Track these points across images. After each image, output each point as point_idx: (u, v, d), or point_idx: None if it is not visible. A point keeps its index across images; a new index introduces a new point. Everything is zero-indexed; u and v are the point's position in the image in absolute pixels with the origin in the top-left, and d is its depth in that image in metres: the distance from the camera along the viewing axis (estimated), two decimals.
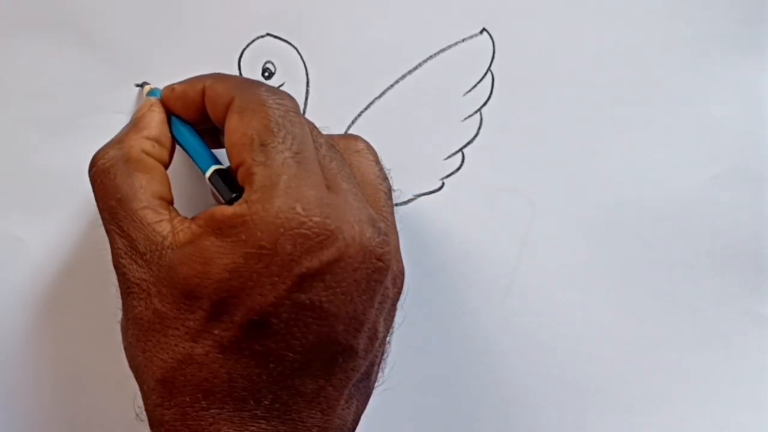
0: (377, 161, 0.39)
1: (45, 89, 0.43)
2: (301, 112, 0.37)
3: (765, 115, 0.44)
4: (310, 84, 0.44)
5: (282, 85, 0.44)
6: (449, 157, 0.44)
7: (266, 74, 0.44)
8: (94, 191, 0.37)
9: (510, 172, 0.44)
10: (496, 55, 0.44)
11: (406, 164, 0.44)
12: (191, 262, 0.34)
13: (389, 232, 0.36)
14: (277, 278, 0.33)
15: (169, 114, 0.40)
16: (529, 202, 0.44)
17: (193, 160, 0.39)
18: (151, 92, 0.41)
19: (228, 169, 0.37)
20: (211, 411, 0.34)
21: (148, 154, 0.38)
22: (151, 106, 0.40)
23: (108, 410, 0.44)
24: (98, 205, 0.37)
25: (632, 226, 0.44)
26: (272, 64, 0.44)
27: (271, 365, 0.34)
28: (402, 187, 0.44)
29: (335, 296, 0.34)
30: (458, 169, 0.44)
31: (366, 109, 0.44)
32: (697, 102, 0.44)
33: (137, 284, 0.35)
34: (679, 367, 0.45)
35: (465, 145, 0.44)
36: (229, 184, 0.36)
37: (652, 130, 0.44)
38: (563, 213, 0.44)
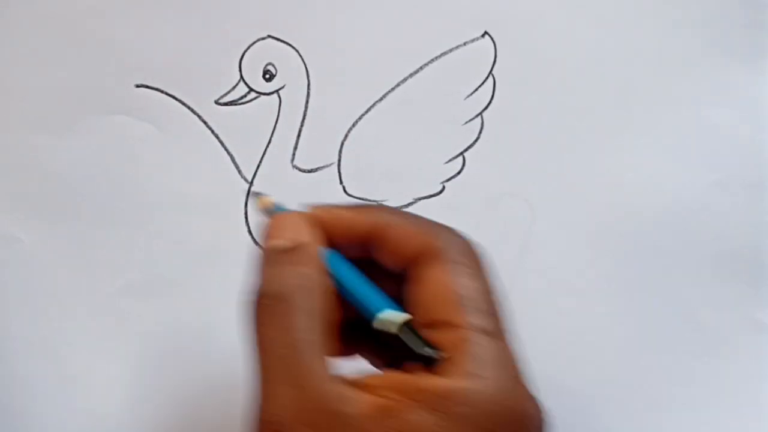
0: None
1: (45, 89, 0.43)
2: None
3: (764, 120, 0.44)
4: (311, 86, 0.44)
5: (283, 87, 0.44)
6: (450, 160, 0.44)
7: (267, 76, 0.44)
8: (256, 324, 0.31)
9: (510, 176, 0.44)
10: (497, 59, 0.44)
11: (407, 167, 0.44)
12: None
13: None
14: None
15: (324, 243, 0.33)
16: (530, 206, 0.44)
17: (361, 303, 0.32)
18: (277, 207, 0.34)
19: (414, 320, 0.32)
20: None
21: (323, 293, 0.31)
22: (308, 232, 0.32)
23: (103, 411, 0.44)
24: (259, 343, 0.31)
25: (632, 231, 0.44)
26: (273, 66, 0.44)
27: None
28: (402, 190, 0.44)
29: None
30: (459, 172, 0.44)
31: (367, 111, 0.44)
32: (697, 107, 0.44)
33: None
34: (679, 372, 0.45)
35: (466, 149, 0.44)
36: (417, 335, 0.31)
37: (652, 135, 0.44)
38: (563, 217, 0.44)
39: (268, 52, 0.44)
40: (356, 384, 0.29)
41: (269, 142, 0.44)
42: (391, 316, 0.31)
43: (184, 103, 0.44)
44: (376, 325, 0.31)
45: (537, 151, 0.44)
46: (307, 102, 0.44)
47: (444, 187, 0.44)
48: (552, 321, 0.45)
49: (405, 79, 0.44)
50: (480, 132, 0.44)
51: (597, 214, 0.44)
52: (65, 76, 0.43)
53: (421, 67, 0.44)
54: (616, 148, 0.44)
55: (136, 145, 0.44)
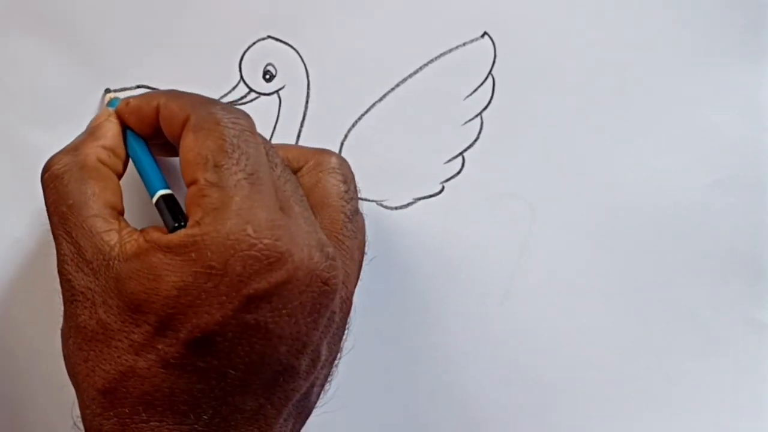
0: (346, 180, 0.39)
1: (46, 89, 0.43)
2: (264, 131, 0.37)
3: (765, 120, 0.44)
4: (311, 86, 0.44)
5: (283, 87, 0.44)
6: (449, 161, 0.44)
7: (267, 76, 0.44)
8: (45, 196, 0.37)
9: (510, 177, 0.44)
10: (497, 59, 0.44)
11: (407, 167, 0.44)
12: (139, 277, 0.34)
13: (339, 257, 0.36)
14: (224, 298, 0.33)
15: (125, 127, 0.40)
16: (529, 206, 0.44)
17: (142, 180, 0.39)
18: (112, 102, 0.41)
19: (173, 196, 0.37)
20: (151, 423, 0.34)
21: (103, 163, 0.38)
22: (109, 116, 0.40)
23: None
24: (48, 210, 0.37)
25: (632, 231, 0.44)
26: (273, 66, 0.44)
27: (213, 381, 0.34)
28: (402, 190, 0.44)
29: (280, 318, 0.34)
30: (458, 173, 0.44)
31: (367, 112, 0.44)
32: (697, 107, 0.44)
33: (82, 292, 0.35)
34: (679, 372, 0.45)
35: (465, 149, 0.44)
36: (174, 210, 0.37)
37: (652, 135, 0.44)
38: (563, 218, 0.44)
39: (268, 53, 0.44)
40: (131, 233, 0.35)
41: None
42: (155, 195, 0.37)
43: None
44: (154, 203, 0.37)
45: (537, 152, 0.44)
46: (307, 102, 0.44)
47: (443, 187, 0.44)
48: (551, 321, 0.45)
49: (404, 80, 0.44)
50: (479, 132, 0.44)
51: (597, 214, 0.44)
52: (65, 76, 0.43)
53: (420, 68, 0.44)
54: (616, 148, 0.44)
55: None
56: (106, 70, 0.43)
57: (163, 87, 0.43)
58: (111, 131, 0.39)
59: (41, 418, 0.44)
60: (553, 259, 0.45)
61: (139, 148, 0.39)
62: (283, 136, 0.44)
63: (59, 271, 0.36)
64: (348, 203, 0.39)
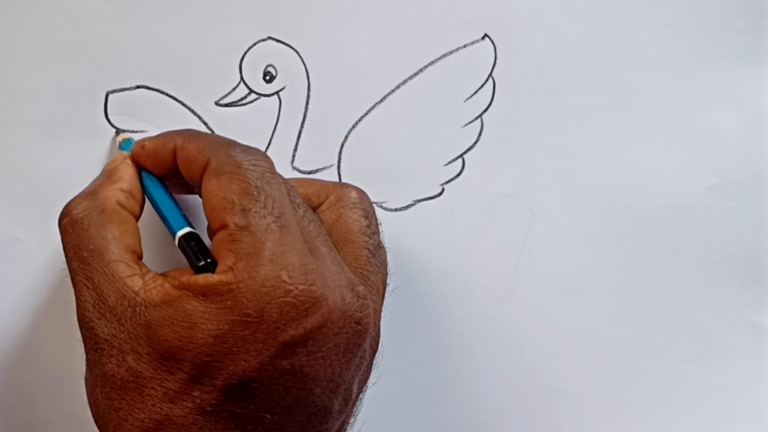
0: (367, 215, 0.39)
1: (46, 90, 0.43)
2: (277, 170, 0.37)
3: (764, 124, 0.44)
4: (312, 88, 0.44)
5: (283, 88, 0.44)
6: (449, 162, 0.44)
7: (267, 77, 0.44)
8: (63, 241, 0.37)
9: (510, 179, 0.44)
10: (497, 61, 0.44)
11: (406, 169, 0.44)
12: (172, 324, 0.34)
13: (368, 294, 0.36)
14: (261, 345, 0.33)
15: (140, 168, 0.39)
16: (529, 208, 0.44)
17: (163, 220, 0.38)
18: (124, 143, 0.41)
19: (197, 234, 0.37)
20: None
21: (121, 206, 0.38)
22: (124, 159, 0.40)
23: None
24: (67, 255, 0.37)
25: (631, 233, 0.45)
26: (273, 67, 0.44)
27: (249, 426, 0.34)
28: (402, 192, 0.44)
29: (315, 361, 0.34)
30: (458, 175, 0.44)
31: (367, 113, 0.44)
32: (697, 110, 0.44)
33: (106, 340, 0.35)
34: (677, 375, 0.45)
35: (465, 151, 0.44)
36: (199, 248, 0.36)
37: (651, 138, 0.44)
38: (563, 220, 0.44)
39: (268, 54, 0.44)
40: (155, 278, 0.35)
41: (269, 144, 0.44)
42: (177, 234, 0.37)
43: (184, 104, 0.44)
44: (177, 243, 0.37)
45: (537, 154, 0.44)
46: (307, 104, 0.44)
47: (443, 189, 0.44)
48: (551, 323, 0.45)
49: (405, 81, 0.44)
50: (480, 134, 0.44)
51: (596, 216, 0.44)
52: (65, 76, 0.43)
53: (421, 69, 0.44)
54: (616, 150, 0.44)
55: None
56: (106, 70, 0.43)
57: (163, 87, 0.43)
58: (128, 173, 0.39)
59: (43, 421, 0.44)
60: (553, 262, 0.45)
61: (156, 189, 0.39)
62: (283, 138, 0.44)
63: (80, 319, 0.36)
64: (370, 238, 0.39)
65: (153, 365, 0.34)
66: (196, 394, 0.34)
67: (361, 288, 0.36)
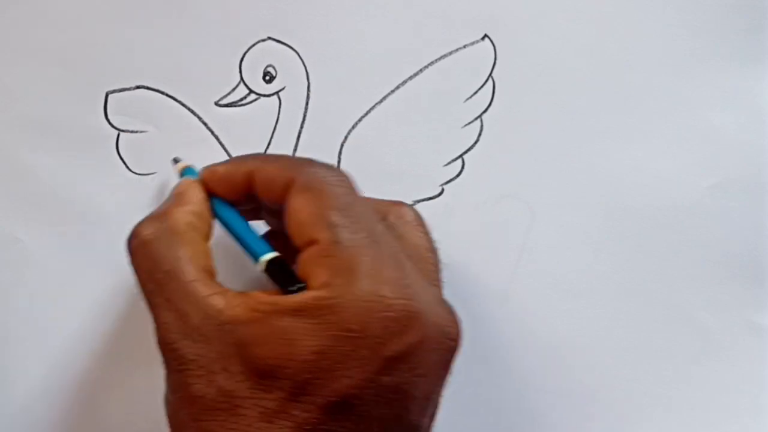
0: (426, 232, 0.39)
1: (46, 90, 0.43)
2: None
3: (765, 124, 0.44)
4: (311, 88, 0.44)
5: (283, 89, 0.44)
6: (449, 163, 0.44)
7: (267, 78, 0.44)
8: (134, 263, 0.36)
9: (510, 179, 0.44)
10: (497, 61, 0.44)
11: (406, 170, 0.44)
12: (269, 342, 0.33)
13: (455, 310, 0.36)
14: (365, 361, 0.33)
15: (210, 194, 0.39)
16: (529, 209, 0.44)
17: (242, 244, 0.38)
18: (186, 170, 0.41)
19: (283, 259, 0.36)
20: None
21: (192, 227, 0.37)
22: (192, 182, 0.39)
23: (104, 411, 0.44)
24: (140, 278, 0.36)
25: (632, 234, 0.45)
26: (273, 67, 0.44)
27: None
28: (401, 192, 0.44)
29: (416, 378, 0.34)
30: (458, 175, 0.44)
31: (367, 114, 0.44)
32: (697, 110, 0.44)
33: (193, 360, 0.33)
34: (678, 376, 0.45)
35: (465, 152, 0.44)
36: (287, 273, 0.36)
37: (651, 138, 0.44)
38: (563, 220, 0.44)
39: (268, 54, 0.44)
40: (237, 296, 0.34)
41: (269, 144, 0.44)
42: (263, 258, 0.36)
43: (184, 104, 0.44)
44: (259, 269, 0.36)
45: (536, 154, 0.44)
46: (306, 104, 0.44)
47: (443, 190, 0.44)
48: (551, 323, 0.45)
49: (405, 82, 0.44)
50: (479, 135, 0.44)
51: (596, 216, 0.44)
52: (65, 76, 0.43)
53: (420, 70, 0.44)
54: (616, 150, 0.44)
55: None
56: (106, 70, 0.43)
57: (163, 87, 0.43)
58: (196, 197, 0.38)
59: (43, 421, 0.44)
60: (553, 262, 0.45)
61: (231, 215, 0.38)
62: (283, 138, 0.44)
63: (161, 341, 0.35)
64: (434, 254, 0.38)
65: (248, 384, 0.33)
66: (295, 412, 0.33)
67: (448, 304, 0.35)
